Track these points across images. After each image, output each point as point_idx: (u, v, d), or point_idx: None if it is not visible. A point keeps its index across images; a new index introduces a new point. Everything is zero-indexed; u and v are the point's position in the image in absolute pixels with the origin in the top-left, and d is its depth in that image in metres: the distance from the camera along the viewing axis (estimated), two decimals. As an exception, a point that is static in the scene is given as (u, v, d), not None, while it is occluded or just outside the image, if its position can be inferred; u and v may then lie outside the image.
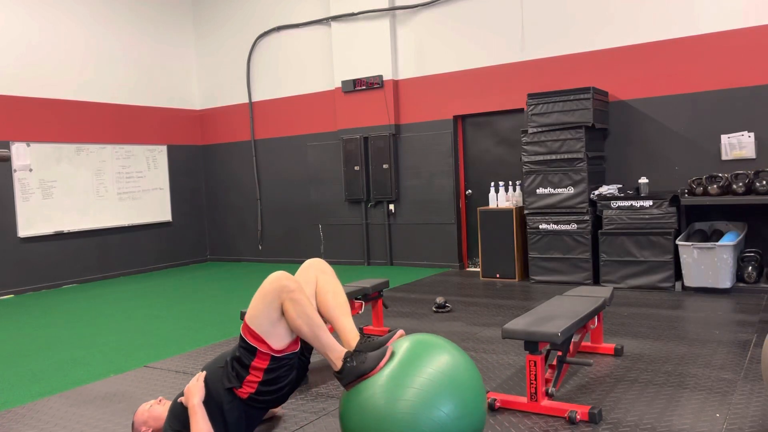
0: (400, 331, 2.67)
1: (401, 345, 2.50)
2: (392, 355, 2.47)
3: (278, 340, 2.48)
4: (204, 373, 2.66)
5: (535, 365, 3.02)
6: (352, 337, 2.62)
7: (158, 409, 2.72)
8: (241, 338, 2.52)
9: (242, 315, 3.90)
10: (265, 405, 2.61)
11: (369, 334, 2.74)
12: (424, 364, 2.37)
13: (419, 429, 2.25)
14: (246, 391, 2.52)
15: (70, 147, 8.35)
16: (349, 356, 2.46)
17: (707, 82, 6.29)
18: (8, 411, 3.56)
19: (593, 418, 2.90)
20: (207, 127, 10.20)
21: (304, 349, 2.66)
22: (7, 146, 7.65)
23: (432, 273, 7.70)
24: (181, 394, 2.64)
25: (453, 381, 2.36)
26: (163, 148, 9.60)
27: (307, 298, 2.51)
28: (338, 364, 2.46)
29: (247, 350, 2.49)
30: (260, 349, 2.47)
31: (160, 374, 4.09)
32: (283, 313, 2.47)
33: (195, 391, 2.56)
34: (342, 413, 2.47)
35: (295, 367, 2.62)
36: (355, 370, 2.42)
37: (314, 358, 4.16)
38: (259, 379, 2.51)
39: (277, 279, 2.48)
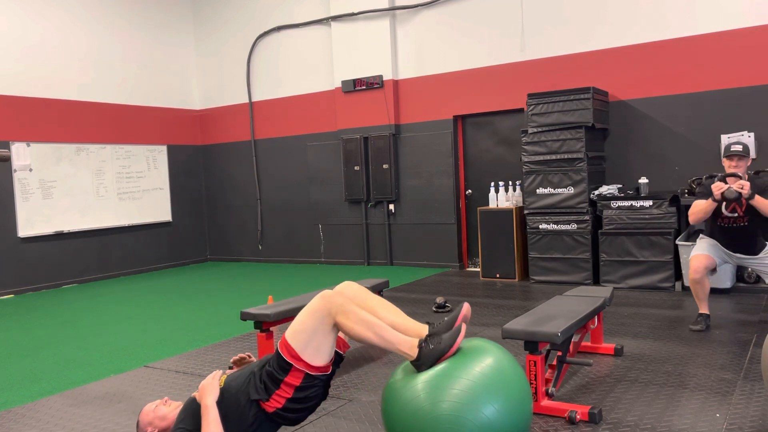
0: (466, 305, 2.65)
1: None
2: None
3: (317, 358, 2.46)
4: (219, 371, 2.65)
5: (535, 365, 3.02)
6: (420, 327, 2.63)
7: (164, 410, 2.70)
8: (277, 353, 2.51)
9: (242, 315, 3.92)
10: (286, 422, 2.58)
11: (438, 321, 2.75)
12: (469, 366, 2.37)
13: (463, 429, 2.25)
14: (273, 405, 2.49)
15: (70, 147, 8.35)
16: (423, 342, 2.48)
17: (707, 82, 6.29)
18: (8, 411, 3.56)
19: (593, 418, 2.91)
20: (207, 127, 10.20)
21: (332, 372, 2.63)
22: (7, 146, 7.65)
23: (432, 273, 7.70)
24: (196, 392, 2.64)
25: (498, 383, 2.35)
26: (163, 148, 9.60)
27: (357, 307, 2.51)
28: (413, 353, 2.47)
29: (281, 366, 2.48)
30: (296, 365, 2.45)
31: (159, 374, 4.09)
32: (331, 330, 2.47)
33: (209, 390, 2.55)
34: (385, 412, 2.48)
35: (321, 391, 2.58)
36: (433, 353, 2.44)
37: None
38: (289, 396, 2.48)
39: (326, 296, 2.50)
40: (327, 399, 3.39)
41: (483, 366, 2.39)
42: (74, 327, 5.72)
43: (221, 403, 2.54)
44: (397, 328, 2.66)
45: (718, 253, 4.50)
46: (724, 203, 4.32)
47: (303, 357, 2.45)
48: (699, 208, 4.36)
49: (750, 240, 4.38)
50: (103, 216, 8.73)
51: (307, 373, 2.46)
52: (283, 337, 2.53)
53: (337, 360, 2.66)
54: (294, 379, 2.46)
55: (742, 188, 4.14)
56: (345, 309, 2.45)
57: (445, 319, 2.61)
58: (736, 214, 4.35)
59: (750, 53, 6.06)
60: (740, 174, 4.30)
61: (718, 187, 4.21)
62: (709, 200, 4.29)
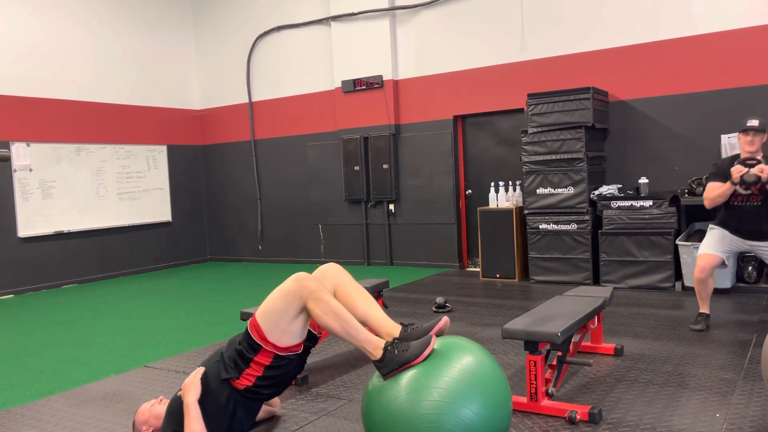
0: (445, 318, 2.58)
1: None
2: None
3: (287, 339, 2.46)
4: (202, 369, 2.66)
5: (535, 365, 3.02)
6: (392, 326, 2.57)
7: (159, 409, 2.72)
8: (247, 333, 2.52)
9: (242, 315, 3.92)
10: (261, 398, 2.61)
11: (411, 323, 2.68)
12: (450, 365, 2.36)
13: (445, 428, 2.24)
14: (242, 383, 2.52)
15: (70, 147, 8.35)
16: (389, 345, 2.40)
17: (707, 82, 6.29)
18: (8, 411, 3.56)
19: (593, 418, 2.90)
20: (207, 127, 10.20)
21: (305, 350, 2.66)
22: (7, 146, 7.65)
23: (432, 273, 7.70)
24: (180, 390, 2.65)
25: (479, 381, 2.35)
26: (163, 148, 9.60)
27: (330, 296, 2.48)
28: (377, 353, 2.40)
29: (251, 345, 2.48)
30: (265, 346, 2.46)
31: (160, 374, 4.09)
32: (301, 313, 2.44)
33: (190, 389, 2.56)
34: (365, 413, 2.46)
35: (294, 366, 2.63)
36: (397, 359, 2.34)
37: (314, 358, 4.16)
38: (258, 374, 2.51)
39: (298, 279, 2.46)
40: (327, 399, 3.40)
41: (463, 364, 2.37)
42: (74, 327, 5.72)
43: (202, 399, 2.55)
44: (369, 321, 2.62)
45: (727, 245, 4.43)
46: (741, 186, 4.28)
47: (271, 338, 2.44)
48: (716, 192, 4.32)
49: (762, 222, 4.33)
50: (103, 216, 8.73)
51: (277, 354, 2.45)
52: (253, 315, 2.53)
53: (311, 338, 2.65)
54: (263, 359, 2.46)
55: (762, 172, 4.10)
56: (317, 296, 2.42)
57: (422, 326, 2.55)
58: (749, 192, 4.31)
59: (750, 53, 6.06)
60: (757, 156, 4.24)
61: (737, 170, 4.18)
62: (728, 184, 4.25)
